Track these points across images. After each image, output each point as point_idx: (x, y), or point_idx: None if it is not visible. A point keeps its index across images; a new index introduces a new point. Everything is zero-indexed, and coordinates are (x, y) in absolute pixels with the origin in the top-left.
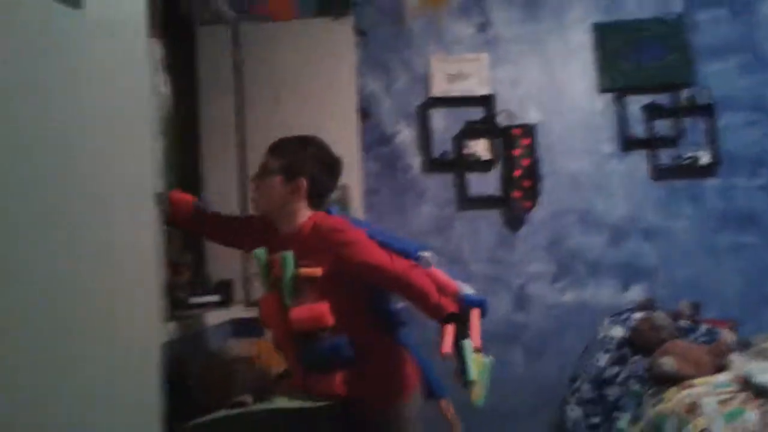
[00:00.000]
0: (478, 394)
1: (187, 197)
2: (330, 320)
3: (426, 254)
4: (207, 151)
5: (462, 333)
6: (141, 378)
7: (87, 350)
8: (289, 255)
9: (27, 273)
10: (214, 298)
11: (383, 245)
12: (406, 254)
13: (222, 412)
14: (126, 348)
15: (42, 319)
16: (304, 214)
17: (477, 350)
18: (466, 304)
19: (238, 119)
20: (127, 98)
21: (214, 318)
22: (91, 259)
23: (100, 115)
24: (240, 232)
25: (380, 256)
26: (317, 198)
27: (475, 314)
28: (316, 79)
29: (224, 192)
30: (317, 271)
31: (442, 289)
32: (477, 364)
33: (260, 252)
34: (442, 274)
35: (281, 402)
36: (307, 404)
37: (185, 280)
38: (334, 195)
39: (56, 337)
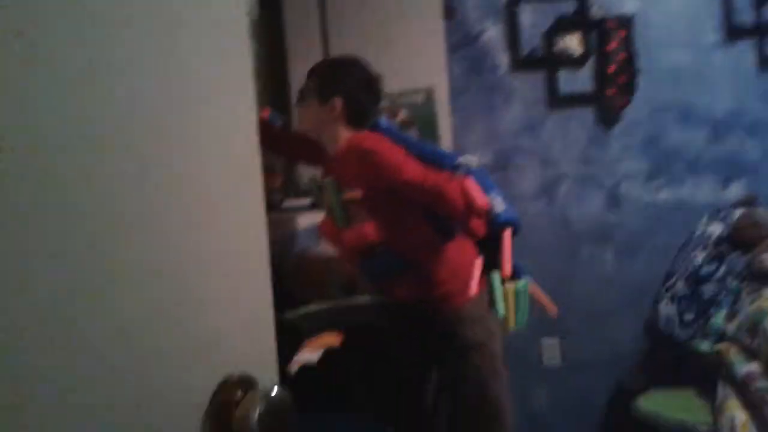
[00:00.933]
0: (512, 322)
1: (261, 113)
2: (376, 237)
3: (465, 160)
4: (293, 56)
5: (491, 262)
6: (251, 270)
7: (202, 255)
8: (330, 182)
9: (141, 182)
10: (306, 201)
11: (420, 157)
12: (443, 165)
13: (313, 306)
14: (236, 244)
15: (156, 221)
16: (344, 135)
17: (507, 278)
18: (497, 224)
19: (322, 22)
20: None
21: (306, 220)
22: (195, 167)
23: (197, 19)
24: (311, 148)
25: (412, 172)
26: (357, 118)
27: (506, 236)
28: None
29: None
30: (357, 195)
31: (471, 206)
32: (508, 294)
33: (313, 177)
34: (476, 188)
35: (365, 299)
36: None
37: (278, 184)
38: (420, 98)
39: (172, 236)
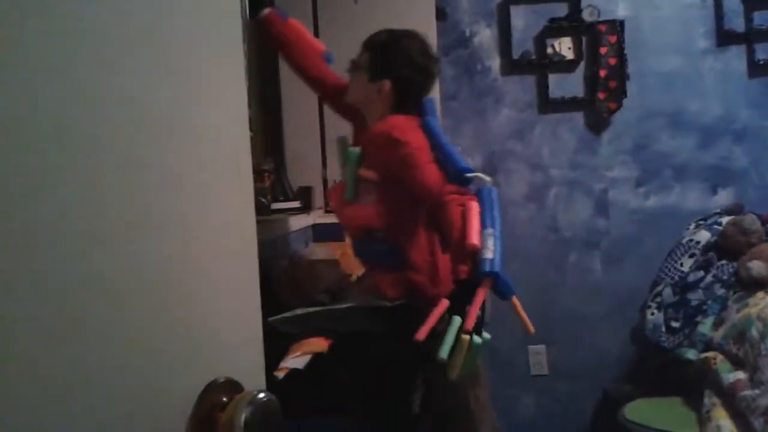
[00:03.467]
0: (452, 372)
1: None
2: (376, 223)
3: (479, 177)
4: None
5: (457, 308)
6: (239, 272)
7: (189, 257)
8: (355, 152)
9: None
10: (295, 204)
11: (438, 158)
12: (455, 172)
13: (299, 311)
14: (225, 246)
15: (141, 221)
16: (385, 115)
17: (467, 332)
18: (479, 272)
19: (315, 25)
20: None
21: (296, 223)
22: (184, 166)
23: (189, 16)
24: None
25: (430, 179)
26: (404, 102)
27: (482, 290)
28: None
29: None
30: (372, 175)
31: (463, 242)
32: (461, 345)
33: (341, 139)
34: (476, 223)
35: (352, 303)
36: (379, 304)
37: (267, 187)
38: None
39: (159, 237)
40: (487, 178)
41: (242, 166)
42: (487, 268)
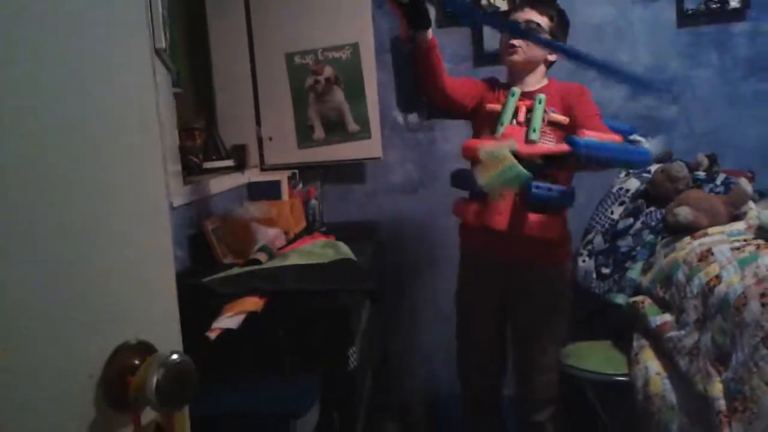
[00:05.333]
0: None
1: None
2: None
3: (637, 140)
4: (212, 7)
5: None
6: (153, 240)
7: (100, 217)
8: (543, 97)
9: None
10: (229, 162)
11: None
12: (622, 133)
13: (235, 269)
14: (131, 204)
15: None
16: (543, 75)
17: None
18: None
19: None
20: None
21: (230, 182)
22: (97, 122)
23: None
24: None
25: (594, 123)
26: (550, 66)
27: (561, 147)
28: None
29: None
30: (564, 119)
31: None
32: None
33: (516, 90)
34: (606, 137)
35: (293, 260)
36: (317, 261)
37: (199, 145)
38: (345, 54)
39: (72, 202)
40: (645, 143)
41: (148, 118)
42: (578, 138)
